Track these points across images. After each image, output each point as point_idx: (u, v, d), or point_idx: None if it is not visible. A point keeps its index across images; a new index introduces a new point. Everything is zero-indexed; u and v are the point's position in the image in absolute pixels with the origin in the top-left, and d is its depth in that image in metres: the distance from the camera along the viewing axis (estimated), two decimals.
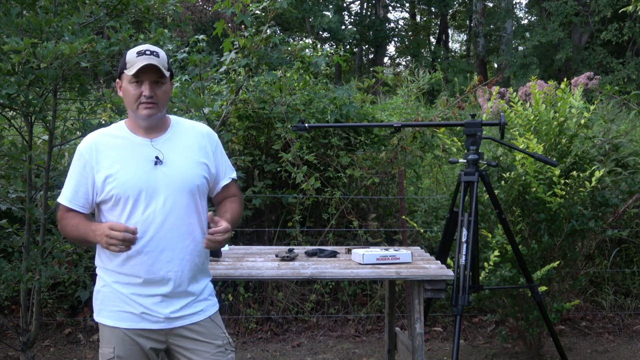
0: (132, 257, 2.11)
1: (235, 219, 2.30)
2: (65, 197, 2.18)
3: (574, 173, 3.76)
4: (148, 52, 2.12)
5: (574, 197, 3.81)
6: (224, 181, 2.34)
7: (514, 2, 22.23)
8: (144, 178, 2.12)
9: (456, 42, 31.02)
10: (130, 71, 2.10)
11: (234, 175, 2.39)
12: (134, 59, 2.10)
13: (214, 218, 2.13)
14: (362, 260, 3.11)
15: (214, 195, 2.35)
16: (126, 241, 2.01)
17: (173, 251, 2.14)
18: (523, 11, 25.31)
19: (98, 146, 2.15)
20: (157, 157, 2.15)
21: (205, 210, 2.26)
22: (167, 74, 2.16)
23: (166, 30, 3.67)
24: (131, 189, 2.10)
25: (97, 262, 2.23)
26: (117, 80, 2.20)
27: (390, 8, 24.98)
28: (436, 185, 5.80)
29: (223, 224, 2.11)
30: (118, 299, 2.15)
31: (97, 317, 2.21)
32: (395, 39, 26.07)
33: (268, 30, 4.64)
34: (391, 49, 28.36)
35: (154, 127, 2.19)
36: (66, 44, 2.96)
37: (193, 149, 2.24)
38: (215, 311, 2.30)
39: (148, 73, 2.10)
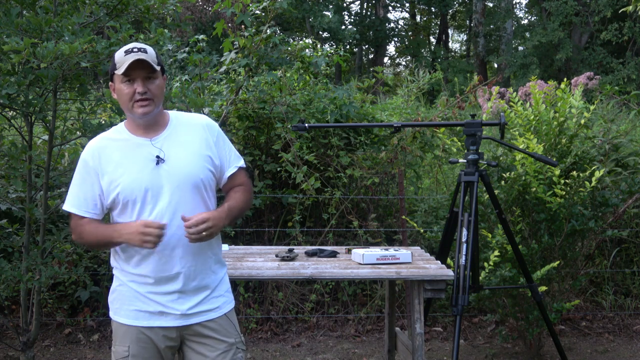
0: (146, 258, 2.13)
1: (236, 207, 2.25)
2: (71, 204, 2.19)
3: (574, 173, 3.76)
4: (135, 50, 2.10)
5: (574, 197, 3.81)
6: (230, 170, 2.30)
7: (514, 2, 22.23)
8: (147, 178, 2.11)
9: (456, 42, 31.05)
10: (120, 70, 2.08)
11: (240, 163, 2.34)
12: (123, 58, 2.09)
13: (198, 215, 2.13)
14: (362, 260, 3.11)
15: (222, 185, 2.32)
16: (160, 237, 2.05)
17: (185, 247, 2.14)
18: (523, 11, 25.35)
19: (100, 152, 2.16)
20: (157, 156, 2.14)
21: (214, 203, 2.26)
22: (158, 68, 2.13)
23: (166, 30, 3.67)
24: (137, 190, 2.10)
25: (113, 263, 2.25)
26: (110, 83, 2.19)
27: (390, 8, 24.99)
28: (436, 185, 5.80)
29: (199, 216, 2.09)
30: (135, 298, 2.17)
31: (114, 315, 2.23)
32: (395, 39, 26.06)
33: (268, 30, 4.65)
34: (391, 49, 28.40)
35: (153, 124, 2.18)
36: (66, 44, 2.96)
37: (194, 143, 2.22)
38: (230, 308, 2.30)
39: (138, 70, 2.09)
